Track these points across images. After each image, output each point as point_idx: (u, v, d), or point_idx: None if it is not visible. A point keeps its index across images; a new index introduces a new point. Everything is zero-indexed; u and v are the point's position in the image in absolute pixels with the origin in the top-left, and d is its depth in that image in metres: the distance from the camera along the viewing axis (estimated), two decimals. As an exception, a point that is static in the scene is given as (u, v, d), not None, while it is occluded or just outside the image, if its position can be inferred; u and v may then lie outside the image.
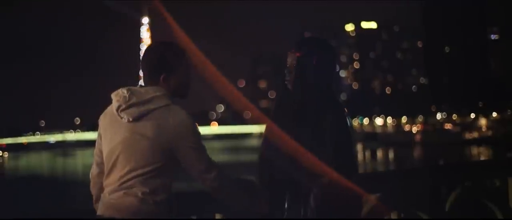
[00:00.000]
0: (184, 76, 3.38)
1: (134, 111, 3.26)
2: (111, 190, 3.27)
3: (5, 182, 54.97)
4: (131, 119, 3.26)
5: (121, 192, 3.23)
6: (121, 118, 3.28)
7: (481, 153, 69.24)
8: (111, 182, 3.29)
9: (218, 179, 3.30)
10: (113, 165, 3.29)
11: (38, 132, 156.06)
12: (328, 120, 3.43)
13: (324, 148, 3.38)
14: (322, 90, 3.49)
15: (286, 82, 3.56)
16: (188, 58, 3.41)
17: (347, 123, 3.52)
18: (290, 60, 3.53)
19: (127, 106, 3.26)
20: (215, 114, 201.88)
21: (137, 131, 3.25)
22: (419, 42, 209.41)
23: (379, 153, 78.66)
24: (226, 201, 3.47)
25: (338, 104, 3.55)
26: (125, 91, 3.28)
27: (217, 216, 4.04)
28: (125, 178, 3.24)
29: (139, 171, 3.22)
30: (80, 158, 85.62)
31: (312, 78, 3.47)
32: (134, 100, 3.26)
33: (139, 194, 3.19)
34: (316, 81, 3.47)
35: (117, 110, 3.28)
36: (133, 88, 3.30)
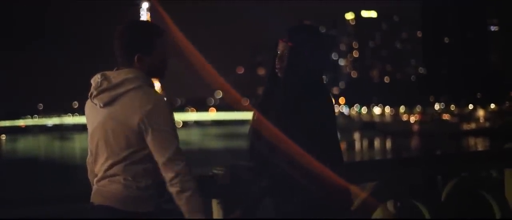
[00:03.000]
0: (160, 56, 3.25)
1: (105, 96, 3.18)
2: (98, 177, 3.26)
3: (1, 164, 54.94)
4: (102, 105, 3.19)
5: (106, 180, 3.21)
6: (95, 104, 3.22)
7: (478, 144, 69.36)
8: (98, 169, 3.27)
9: (180, 177, 3.09)
10: (97, 153, 3.26)
11: (36, 115, 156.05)
12: (315, 110, 3.40)
13: (311, 138, 3.36)
14: (314, 81, 3.47)
15: (276, 70, 3.54)
16: (164, 37, 3.27)
17: (333, 114, 3.50)
18: (282, 48, 3.49)
19: (98, 92, 3.19)
20: (213, 100, 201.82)
21: (110, 116, 3.18)
22: (418, 32, 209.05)
23: (377, 142, 78.78)
24: (182, 207, 3.14)
25: (326, 94, 3.52)
26: (99, 77, 3.21)
27: (214, 201, 4.04)
28: (106, 166, 3.21)
29: (118, 158, 3.17)
30: (77, 142, 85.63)
31: (305, 68, 3.44)
32: (105, 85, 3.18)
33: (122, 181, 3.15)
34: (308, 71, 3.45)
35: (90, 97, 3.24)
36: (107, 72, 3.22)
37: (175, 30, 3.70)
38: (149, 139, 3.12)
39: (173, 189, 3.12)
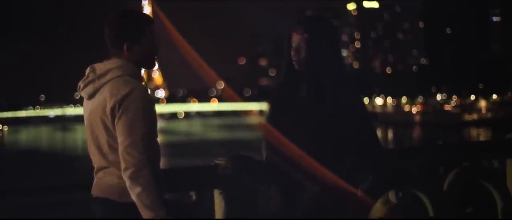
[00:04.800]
0: (149, 43, 3.20)
1: (89, 88, 3.17)
2: (95, 170, 3.26)
3: (4, 156, 55.00)
4: (87, 97, 3.19)
5: (101, 172, 3.21)
6: (83, 97, 3.23)
7: (480, 135, 69.29)
8: (94, 162, 3.27)
9: (131, 171, 3.00)
10: (89, 146, 3.26)
11: (38, 106, 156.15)
12: (346, 99, 3.41)
13: (344, 127, 3.37)
14: (333, 70, 3.47)
15: (293, 62, 3.52)
16: (153, 26, 3.23)
17: (364, 101, 3.53)
18: (297, 40, 3.48)
19: (84, 85, 3.19)
20: (215, 91, 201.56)
21: (93, 108, 3.17)
22: (420, 22, 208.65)
23: (379, 133, 78.68)
24: (135, 202, 3.04)
25: (352, 83, 3.55)
26: (88, 69, 3.21)
27: (217, 192, 4.04)
28: (98, 158, 3.20)
29: (105, 149, 3.14)
30: (79, 133, 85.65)
31: (323, 58, 3.44)
32: (90, 77, 3.17)
33: (116, 172, 3.13)
34: (328, 61, 3.45)
35: (78, 90, 3.24)
36: (96, 64, 3.20)
37: (172, 30, 3.69)
38: (116, 124, 3.06)
39: (126, 182, 3.04)
